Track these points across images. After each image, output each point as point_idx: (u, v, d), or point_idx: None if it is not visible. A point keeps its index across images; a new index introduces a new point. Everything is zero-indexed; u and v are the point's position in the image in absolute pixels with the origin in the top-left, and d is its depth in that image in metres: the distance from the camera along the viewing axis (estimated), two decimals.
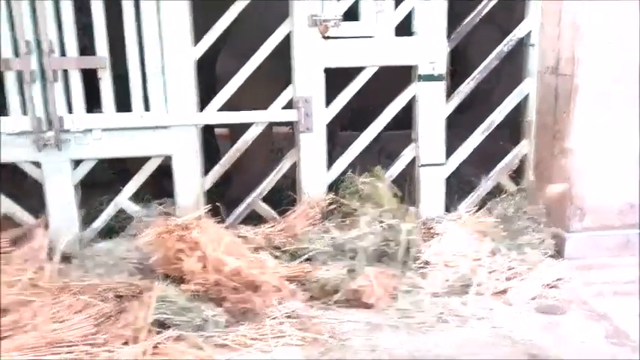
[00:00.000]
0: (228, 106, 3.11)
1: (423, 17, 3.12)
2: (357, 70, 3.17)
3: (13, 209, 3.06)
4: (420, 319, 2.51)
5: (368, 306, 2.61)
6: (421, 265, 2.88)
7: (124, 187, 3.37)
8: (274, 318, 2.49)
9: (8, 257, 2.92)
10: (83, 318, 2.39)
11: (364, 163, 3.32)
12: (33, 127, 2.91)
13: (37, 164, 3.00)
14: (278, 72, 3.19)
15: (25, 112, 2.92)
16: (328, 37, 3.06)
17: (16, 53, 2.82)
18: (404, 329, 2.44)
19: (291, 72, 3.10)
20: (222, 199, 3.39)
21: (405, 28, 3.16)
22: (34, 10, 2.79)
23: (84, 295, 2.52)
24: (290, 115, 3.15)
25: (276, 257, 2.94)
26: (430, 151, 3.27)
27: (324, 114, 3.16)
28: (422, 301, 2.62)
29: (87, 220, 3.18)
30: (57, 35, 2.84)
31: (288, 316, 2.53)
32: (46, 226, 3.06)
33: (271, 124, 3.28)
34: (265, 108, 3.16)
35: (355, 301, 2.63)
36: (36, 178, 3.03)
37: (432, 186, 3.30)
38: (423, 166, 3.28)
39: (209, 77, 3.43)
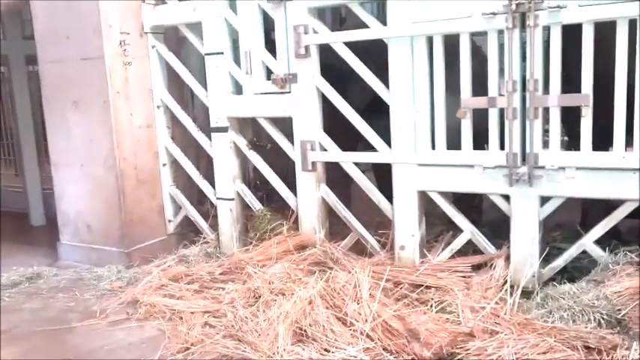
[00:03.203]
0: None
1: None
2: None
3: (478, 239, 3.42)
4: None
5: None
6: None
7: (582, 227, 3.37)
8: None
9: (469, 282, 3.29)
10: None
11: None
12: (508, 161, 3.19)
13: (506, 197, 3.28)
14: None
15: (502, 148, 3.22)
16: None
17: (501, 92, 3.17)
18: None
19: None
20: None
21: None
22: (523, 52, 3.08)
23: (549, 338, 2.61)
24: None
25: None
26: None
27: None
28: None
29: (545, 258, 3.27)
30: (542, 74, 3.05)
31: None
32: (508, 258, 3.31)
33: None
34: None
35: None
36: (504, 211, 3.31)
37: None
38: None
39: None
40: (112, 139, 4.14)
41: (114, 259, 4.25)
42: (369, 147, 3.66)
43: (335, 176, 3.91)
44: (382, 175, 3.78)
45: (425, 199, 3.55)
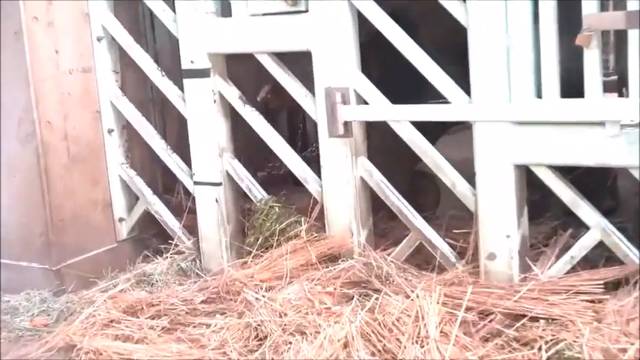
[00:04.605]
0: None
1: None
2: None
3: (615, 241, 3.37)
4: None
5: None
6: None
7: None
8: None
9: (600, 311, 3.25)
10: None
11: None
12: None
13: None
14: None
15: None
16: None
17: None
18: None
19: None
20: None
21: None
22: None
23: None
24: None
25: None
26: None
27: None
28: None
29: None
30: None
31: None
32: None
33: None
34: None
35: None
36: None
37: None
38: None
39: None
40: (27, 93, 4.15)
41: (35, 281, 4.28)
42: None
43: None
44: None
45: (525, 177, 3.51)
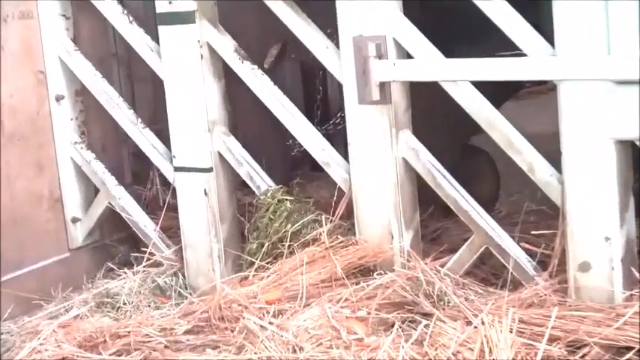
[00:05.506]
0: None
1: None
2: None
3: None
4: None
5: None
6: None
7: None
8: None
9: None
10: None
11: None
12: None
13: None
14: None
15: None
16: None
17: None
18: None
19: None
20: None
21: None
22: None
23: None
24: None
25: None
26: None
27: None
28: None
29: None
30: None
31: None
32: None
33: None
34: None
35: None
36: None
37: None
38: None
39: None
40: None
41: None
42: None
43: None
44: None
45: (631, 157, 3.53)
